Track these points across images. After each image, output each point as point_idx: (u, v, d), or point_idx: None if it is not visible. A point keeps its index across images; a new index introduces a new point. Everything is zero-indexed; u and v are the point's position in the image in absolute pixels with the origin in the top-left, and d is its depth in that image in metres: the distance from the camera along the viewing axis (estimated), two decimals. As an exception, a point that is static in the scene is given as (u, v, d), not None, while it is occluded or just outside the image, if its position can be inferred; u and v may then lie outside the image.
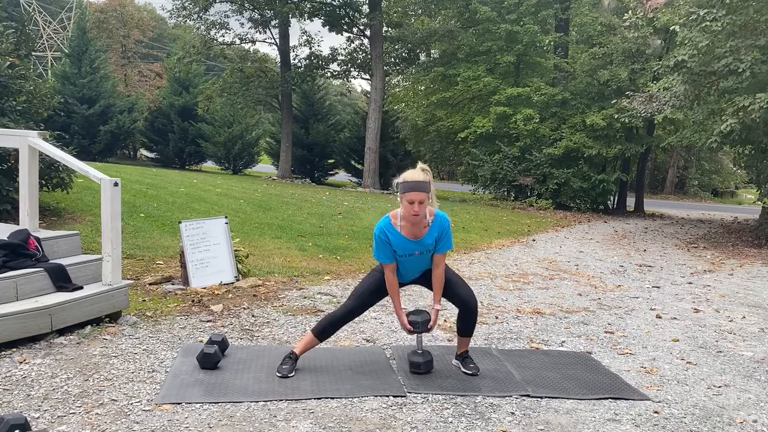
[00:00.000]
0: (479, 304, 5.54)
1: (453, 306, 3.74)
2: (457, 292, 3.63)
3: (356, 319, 3.79)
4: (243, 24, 40.24)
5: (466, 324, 3.67)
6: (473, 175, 20.39)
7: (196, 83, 28.54)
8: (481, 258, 8.43)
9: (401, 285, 3.68)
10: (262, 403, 3.13)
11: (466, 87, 20.50)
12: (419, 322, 3.58)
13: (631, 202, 21.10)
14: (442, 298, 3.67)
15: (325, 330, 3.60)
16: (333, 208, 12.29)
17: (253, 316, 4.74)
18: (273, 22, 22.37)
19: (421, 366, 3.61)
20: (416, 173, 3.38)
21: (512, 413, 3.16)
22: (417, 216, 3.37)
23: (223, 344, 3.74)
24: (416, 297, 5.49)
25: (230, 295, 5.27)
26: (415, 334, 3.66)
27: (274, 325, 4.53)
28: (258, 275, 6.04)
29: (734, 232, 14.55)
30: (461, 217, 13.64)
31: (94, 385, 3.22)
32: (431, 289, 3.71)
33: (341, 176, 28.34)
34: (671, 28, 11.91)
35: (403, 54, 23.32)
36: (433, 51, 24.59)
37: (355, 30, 22.32)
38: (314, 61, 23.11)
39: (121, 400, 3.06)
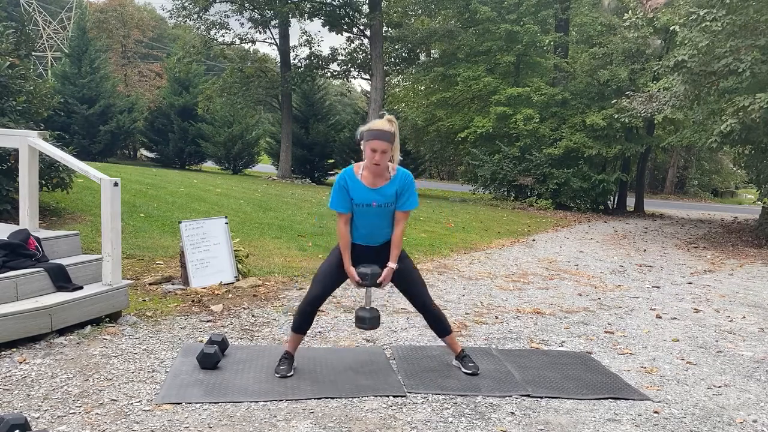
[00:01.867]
0: (479, 304, 5.56)
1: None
2: (415, 298, 3.59)
3: (325, 301, 3.73)
4: (243, 24, 40.25)
5: (437, 324, 3.65)
6: (473, 175, 20.39)
7: (196, 83, 28.53)
8: (481, 258, 8.43)
9: (358, 248, 3.52)
10: (262, 403, 3.13)
11: (466, 87, 20.50)
12: (368, 274, 3.43)
13: (631, 202, 21.10)
14: (406, 299, 3.57)
15: (300, 324, 3.53)
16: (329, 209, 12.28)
17: (253, 316, 4.74)
18: (273, 22, 22.36)
19: (366, 321, 3.51)
20: (382, 122, 3.34)
21: (512, 413, 3.16)
22: (378, 166, 3.33)
23: (223, 344, 3.74)
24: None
25: (230, 295, 5.27)
26: (364, 288, 3.53)
27: (274, 325, 4.53)
28: (258, 275, 6.04)
29: (734, 232, 14.55)
30: (461, 217, 13.63)
31: (94, 385, 3.22)
32: (404, 294, 3.65)
33: (341, 176, 28.29)
34: (671, 28, 11.91)
35: (403, 54, 23.31)
36: (433, 51, 24.59)
37: (355, 30, 22.31)
38: (314, 61, 23.10)
39: (121, 400, 3.06)
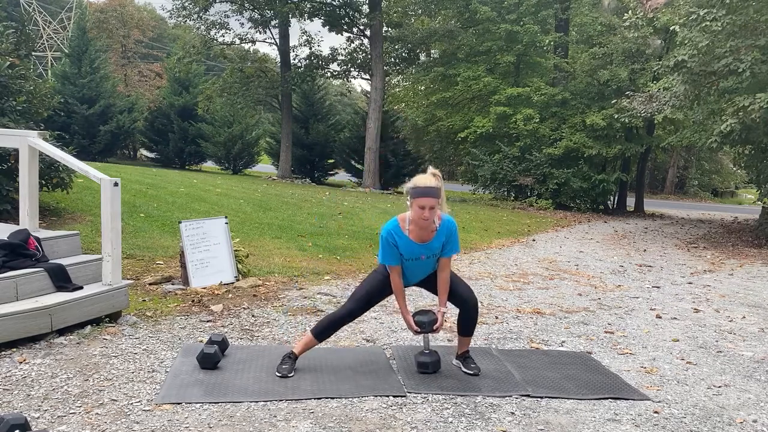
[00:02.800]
0: (479, 304, 5.56)
1: (452, 306, 3.74)
2: (456, 290, 3.63)
3: (356, 319, 3.79)
4: (243, 24, 40.25)
5: (467, 323, 3.67)
6: (473, 175, 20.39)
7: (196, 83, 28.54)
8: (481, 258, 8.43)
9: (405, 287, 3.68)
10: (262, 403, 3.13)
11: (466, 87, 20.50)
12: (425, 323, 3.58)
13: (631, 202, 21.10)
14: None
15: (324, 331, 3.60)
16: (333, 208, 12.29)
17: (253, 316, 4.74)
18: (273, 22, 22.37)
19: (429, 366, 3.62)
20: (428, 178, 3.38)
21: (512, 413, 3.16)
22: (427, 221, 3.38)
23: (223, 344, 3.74)
24: (416, 296, 5.49)
25: (230, 295, 5.27)
26: (422, 335, 3.67)
27: (274, 325, 4.53)
28: (258, 275, 6.04)
29: (734, 232, 14.55)
30: (461, 217, 13.64)
31: (94, 385, 3.22)
32: (433, 292, 3.71)
33: (341, 176, 28.34)
34: (671, 28, 11.91)
35: (403, 54, 23.31)
36: (433, 51, 24.59)
37: (355, 30, 22.32)
38: (314, 61, 23.11)
39: (121, 400, 3.06)
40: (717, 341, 4.75)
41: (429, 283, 3.73)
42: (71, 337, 3.91)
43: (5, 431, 2.45)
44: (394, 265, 3.53)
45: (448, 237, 3.53)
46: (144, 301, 4.92)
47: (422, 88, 24.93)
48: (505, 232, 11.73)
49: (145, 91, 37.29)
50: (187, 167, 28.20)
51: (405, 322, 3.66)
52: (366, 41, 22.25)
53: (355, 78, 24.75)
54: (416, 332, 3.62)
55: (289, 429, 2.86)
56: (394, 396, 3.29)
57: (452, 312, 5.13)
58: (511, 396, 3.37)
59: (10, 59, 7.12)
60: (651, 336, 4.80)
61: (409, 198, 3.39)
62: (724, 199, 37.51)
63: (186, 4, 21.45)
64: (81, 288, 4.12)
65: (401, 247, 3.48)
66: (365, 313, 3.95)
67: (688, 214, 21.68)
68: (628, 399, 3.41)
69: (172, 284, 5.51)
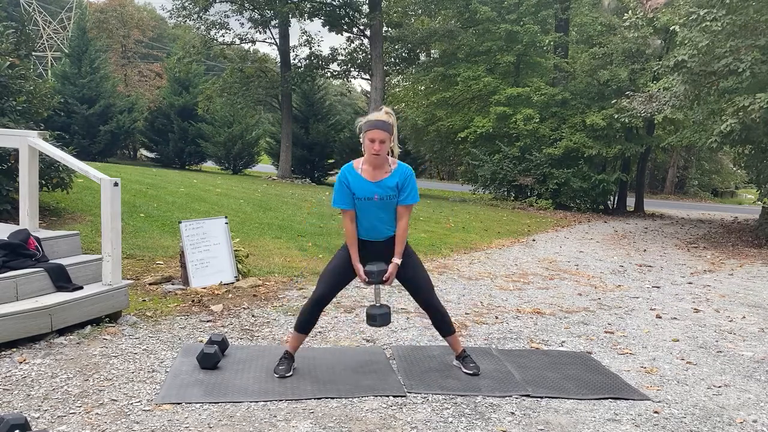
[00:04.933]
0: (479, 304, 5.56)
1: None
2: (418, 295, 3.60)
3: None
4: (243, 24, 40.14)
5: (440, 325, 3.66)
6: (473, 175, 20.39)
7: (196, 83, 28.53)
8: (481, 258, 8.43)
9: (363, 244, 3.54)
10: (262, 403, 3.13)
11: (466, 87, 20.50)
12: (374, 272, 3.46)
13: (631, 202, 21.10)
14: (409, 294, 3.58)
15: (304, 323, 3.55)
16: (333, 207, 12.28)
17: (253, 316, 4.74)
18: (273, 22, 22.36)
19: (376, 318, 3.53)
20: (380, 114, 3.38)
21: (512, 413, 3.16)
22: (378, 155, 3.36)
23: (223, 344, 3.74)
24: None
25: (230, 295, 5.27)
26: (372, 286, 3.56)
27: (274, 325, 4.53)
28: (258, 275, 6.04)
29: (734, 232, 14.55)
30: (461, 217, 13.63)
31: (94, 385, 3.22)
32: (407, 291, 3.66)
33: (341, 176, 28.28)
34: (671, 28, 11.91)
35: (403, 54, 23.30)
36: (433, 51, 24.59)
37: (355, 30, 22.31)
38: (314, 61, 23.10)
39: (121, 400, 3.06)
40: (717, 341, 4.75)
41: (389, 249, 3.53)
42: (71, 337, 3.91)
43: (5, 431, 2.45)
44: (346, 209, 3.47)
45: (403, 181, 3.46)
46: (144, 301, 4.92)
47: (422, 88, 24.93)
48: (505, 232, 11.73)
49: (145, 91, 37.27)
50: (187, 167, 28.19)
51: (354, 272, 3.53)
52: (366, 41, 22.25)
53: (355, 78, 24.76)
54: (366, 282, 3.51)
55: (289, 429, 2.86)
56: (394, 396, 3.29)
57: (454, 311, 5.13)
58: (511, 396, 3.37)
59: (10, 59, 7.12)
60: (651, 336, 4.80)
61: (361, 134, 3.39)
62: (724, 199, 37.52)
63: (186, 4, 21.44)
64: (81, 288, 4.12)
65: (353, 185, 3.44)
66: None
67: (688, 214, 21.68)
68: (628, 399, 3.41)
69: (172, 284, 5.51)
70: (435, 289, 3.72)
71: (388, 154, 3.46)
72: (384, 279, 3.48)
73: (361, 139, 3.40)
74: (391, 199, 3.47)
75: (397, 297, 5.46)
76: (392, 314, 4.92)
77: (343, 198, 3.47)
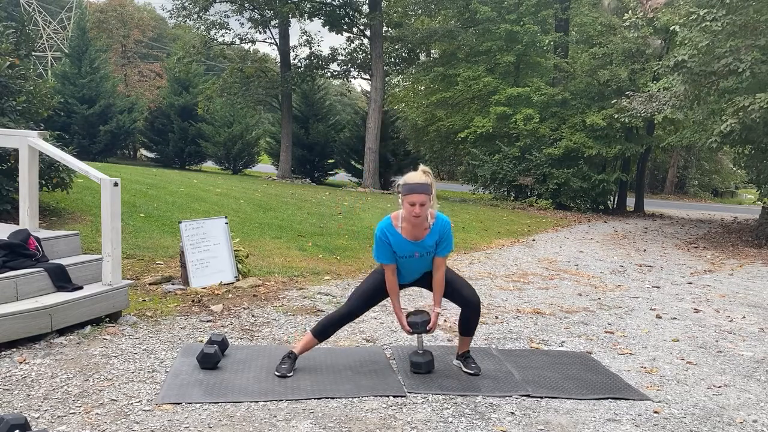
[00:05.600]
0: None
1: (453, 306, 3.74)
2: (459, 291, 3.63)
3: (356, 319, 3.79)
4: (243, 24, 40.29)
5: (468, 324, 3.67)
6: (473, 175, 20.39)
7: (196, 83, 28.54)
8: (481, 258, 8.43)
9: (401, 286, 3.68)
10: (262, 403, 3.13)
11: (466, 87, 20.50)
12: (418, 323, 3.59)
13: (631, 202, 21.10)
14: (444, 298, 3.66)
15: (324, 330, 3.61)
16: (333, 208, 12.29)
17: (253, 316, 4.74)
18: (273, 22, 22.36)
19: (422, 366, 3.62)
20: (418, 175, 3.38)
21: (512, 413, 3.16)
22: (418, 218, 3.37)
23: (223, 344, 3.74)
24: (416, 297, 5.49)
25: (230, 295, 5.27)
26: (416, 335, 3.67)
27: (274, 325, 4.53)
28: (258, 275, 6.04)
29: (734, 232, 14.55)
30: (461, 217, 13.63)
31: (94, 385, 3.22)
32: (431, 290, 3.71)
33: (341, 176, 28.33)
34: (671, 28, 11.90)
35: (403, 54, 23.31)
36: (433, 51, 24.59)
37: (355, 30, 22.32)
38: (314, 61, 23.10)
39: (121, 400, 3.06)
40: (717, 341, 4.75)
41: (426, 282, 3.72)
42: (71, 337, 3.91)
43: (5, 431, 2.45)
44: (388, 264, 3.53)
45: (441, 235, 3.52)
46: (144, 301, 4.92)
47: (422, 88, 24.92)
48: (505, 232, 11.73)
49: (145, 91, 37.26)
50: (187, 167, 28.20)
51: (398, 322, 3.67)
52: (366, 41, 22.25)
53: (355, 78, 24.77)
54: (409, 332, 3.62)
55: (289, 429, 2.86)
56: (394, 396, 3.29)
57: (454, 312, 5.13)
58: (511, 396, 3.37)
59: (10, 59, 7.12)
60: (651, 336, 4.80)
61: (400, 196, 3.39)
62: (724, 199, 37.50)
63: (186, 4, 21.45)
64: (81, 288, 4.12)
65: (394, 245, 3.48)
66: (365, 313, 3.95)
67: (688, 214, 21.68)
68: (628, 399, 3.41)
69: (172, 284, 5.51)
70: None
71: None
72: (428, 329, 3.61)
73: (399, 201, 3.43)
74: (431, 254, 3.56)
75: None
76: (392, 314, 4.93)
77: (386, 255, 3.53)
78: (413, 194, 3.32)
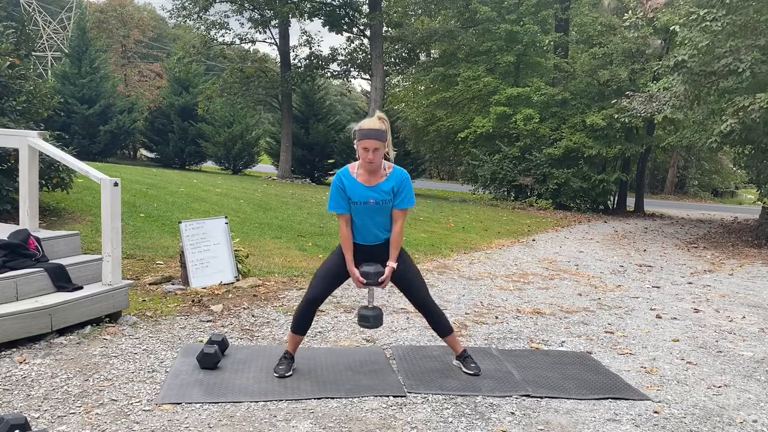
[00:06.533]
0: (479, 304, 5.56)
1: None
2: (415, 295, 3.59)
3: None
4: (243, 24, 40.29)
5: (437, 326, 3.65)
6: (473, 175, 20.39)
7: (196, 83, 28.54)
8: (481, 258, 8.43)
9: (357, 252, 3.53)
10: (262, 403, 3.13)
11: (466, 87, 20.50)
12: (371, 273, 3.45)
13: (631, 202, 21.10)
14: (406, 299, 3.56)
15: (298, 324, 3.54)
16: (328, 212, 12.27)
17: (253, 316, 4.74)
18: (273, 22, 22.36)
19: (370, 319, 3.53)
20: (373, 121, 3.37)
21: (512, 413, 3.16)
22: (372, 163, 3.35)
23: (223, 344, 3.74)
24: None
25: (230, 295, 5.27)
26: (367, 288, 3.54)
27: (274, 325, 4.53)
28: (258, 275, 6.04)
29: (734, 232, 14.55)
30: (461, 217, 13.63)
31: (94, 385, 3.22)
32: (404, 293, 3.65)
33: (341, 176, 28.28)
34: (671, 28, 11.90)
35: (403, 54, 23.30)
36: (433, 51, 24.58)
37: (355, 30, 22.31)
38: (314, 61, 23.10)
39: (121, 400, 3.06)
40: (717, 341, 4.75)
41: (384, 251, 3.54)
42: (71, 337, 3.91)
43: (5, 431, 2.45)
44: (341, 213, 3.47)
45: (399, 185, 3.46)
46: (144, 301, 4.92)
47: (422, 88, 24.92)
48: (505, 232, 11.73)
49: (145, 91, 37.25)
50: (187, 167, 28.20)
51: (349, 274, 3.53)
52: (366, 41, 22.24)
53: (355, 78, 24.77)
54: (361, 284, 3.49)
55: (289, 429, 2.86)
56: (394, 396, 3.29)
57: (452, 313, 5.13)
58: (511, 396, 3.37)
59: (10, 59, 7.12)
60: (651, 336, 4.80)
61: (355, 141, 3.38)
62: (724, 199, 37.50)
63: (186, 4, 21.45)
64: (81, 288, 4.12)
65: (348, 189, 3.44)
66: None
67: (688, 214, 21.68)
68: (628, 399, 3.41)
69: (172, 284, 5.51)
70: (433, 289, 3.72)
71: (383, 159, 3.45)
72: (380, 281, 3.48)
73: (355, 146, 3.40)
74: (387, 203, 3.47)
75: (396, 297, 5.45)
76: (392, 314, 4.92)
77: (338, 202, 3.47)
78: (367, 139, 3.30)
